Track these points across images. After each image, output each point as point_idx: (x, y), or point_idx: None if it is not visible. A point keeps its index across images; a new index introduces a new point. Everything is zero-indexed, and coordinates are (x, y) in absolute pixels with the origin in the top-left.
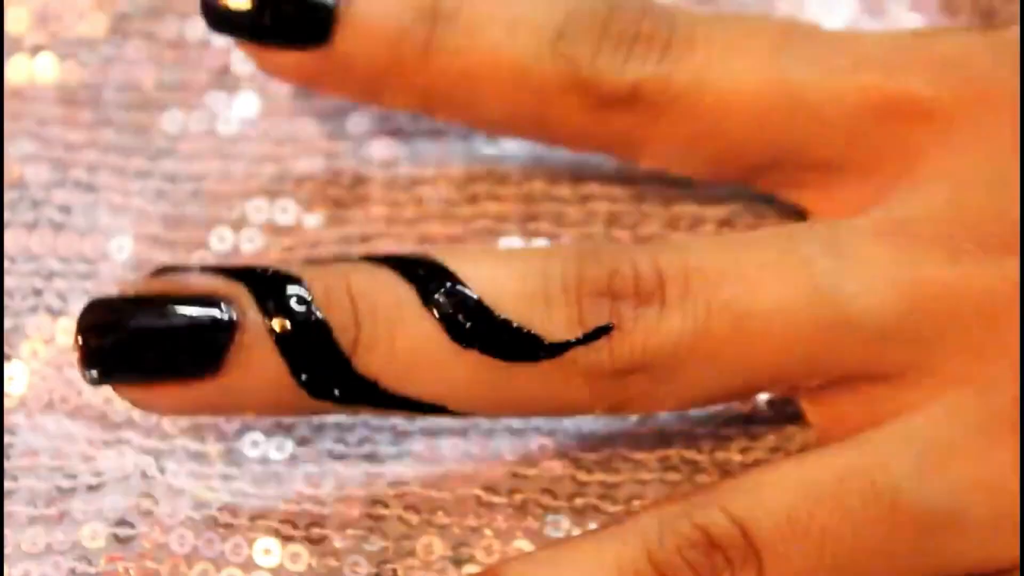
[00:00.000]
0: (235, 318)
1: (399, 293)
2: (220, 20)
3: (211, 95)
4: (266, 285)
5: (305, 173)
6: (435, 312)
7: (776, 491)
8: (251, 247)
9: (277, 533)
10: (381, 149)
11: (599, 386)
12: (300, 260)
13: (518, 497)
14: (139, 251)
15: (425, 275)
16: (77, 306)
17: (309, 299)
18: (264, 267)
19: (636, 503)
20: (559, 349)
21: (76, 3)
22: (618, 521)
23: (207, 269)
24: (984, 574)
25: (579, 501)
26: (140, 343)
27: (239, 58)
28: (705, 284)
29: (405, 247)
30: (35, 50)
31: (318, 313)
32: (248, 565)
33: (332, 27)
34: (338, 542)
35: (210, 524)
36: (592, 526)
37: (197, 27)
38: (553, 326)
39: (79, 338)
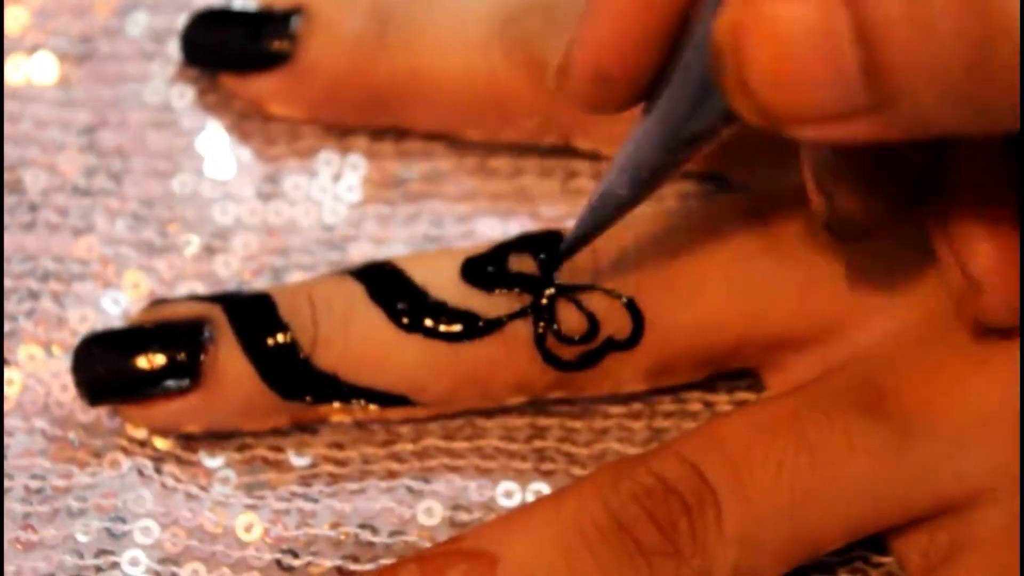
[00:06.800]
0: (209, 335)
1: (352, 292)
2: (197, 55)
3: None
4: (239, 305)
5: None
6: (380, 303)
7: (730, 432)
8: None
9: (268, 533)
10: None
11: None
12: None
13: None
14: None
15: (376, 274)
16: (73, 311)
17: (276, 311)
18: (239, 292)
19: None
20: (496, 324)
21: (75, 2)
22: (577, 481)
23: (192, 298)
24: (967, 503)
25: None
26: (130, 367)
27: None
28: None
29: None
30: (33, 50)
31: (281, 319)
32: (239, 566)
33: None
34: (329, 540)
35: (202, 524)
36: None
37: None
38: (491, 304)
39: (77, 369)
